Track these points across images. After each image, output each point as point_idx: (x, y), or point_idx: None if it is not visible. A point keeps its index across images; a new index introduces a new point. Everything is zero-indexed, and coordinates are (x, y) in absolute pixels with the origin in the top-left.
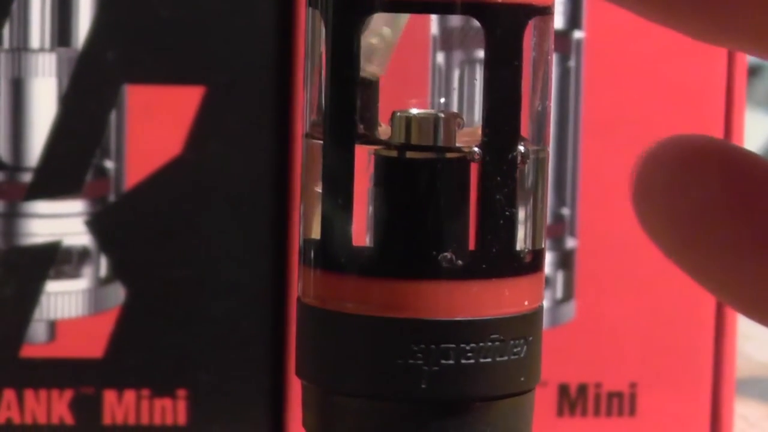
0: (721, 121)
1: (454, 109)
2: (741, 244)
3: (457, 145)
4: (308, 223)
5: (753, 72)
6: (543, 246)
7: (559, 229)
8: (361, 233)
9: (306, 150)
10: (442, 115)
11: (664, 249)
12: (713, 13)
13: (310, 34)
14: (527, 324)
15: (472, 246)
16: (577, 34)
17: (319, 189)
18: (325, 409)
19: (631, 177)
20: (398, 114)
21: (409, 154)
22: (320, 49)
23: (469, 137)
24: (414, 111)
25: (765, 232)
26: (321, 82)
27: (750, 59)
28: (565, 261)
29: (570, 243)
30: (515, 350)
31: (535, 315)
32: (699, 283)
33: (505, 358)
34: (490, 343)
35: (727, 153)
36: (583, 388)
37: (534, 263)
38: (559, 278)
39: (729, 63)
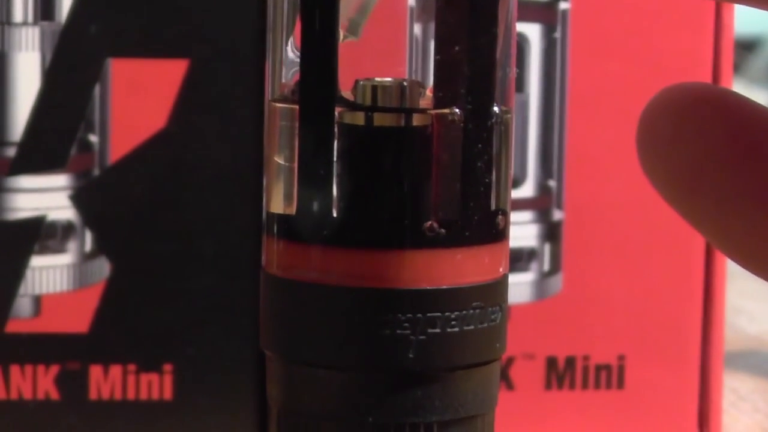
0: None
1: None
2: (740, 194)
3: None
4: (281, 196)
5: (749, 48)
6: (509, 211)
7: (546, 201)
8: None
9: (269, 116)
10: (406, 83)
11: (666, 197)
12: None
13: None
14: (502, 290)
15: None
16: (563, 5)
17: (280, 159)
18: (302, 382)
19: (637, 125)
20: (361, 82)
21: (384, 121)
22: (287, 10)
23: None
24: (377, 79)
25: (764, 182)
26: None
27: (744, 34)
28: (552, 233)
29: (557, 215)
30: (492, 317)
31: (506, 281)
32: (699, 231)
33: (485, 324)
34: (472, 311)
35: (730, 102)
36: (570, 361)
37: (506, 229)
38: (546, 251)
39: (716, 34)
